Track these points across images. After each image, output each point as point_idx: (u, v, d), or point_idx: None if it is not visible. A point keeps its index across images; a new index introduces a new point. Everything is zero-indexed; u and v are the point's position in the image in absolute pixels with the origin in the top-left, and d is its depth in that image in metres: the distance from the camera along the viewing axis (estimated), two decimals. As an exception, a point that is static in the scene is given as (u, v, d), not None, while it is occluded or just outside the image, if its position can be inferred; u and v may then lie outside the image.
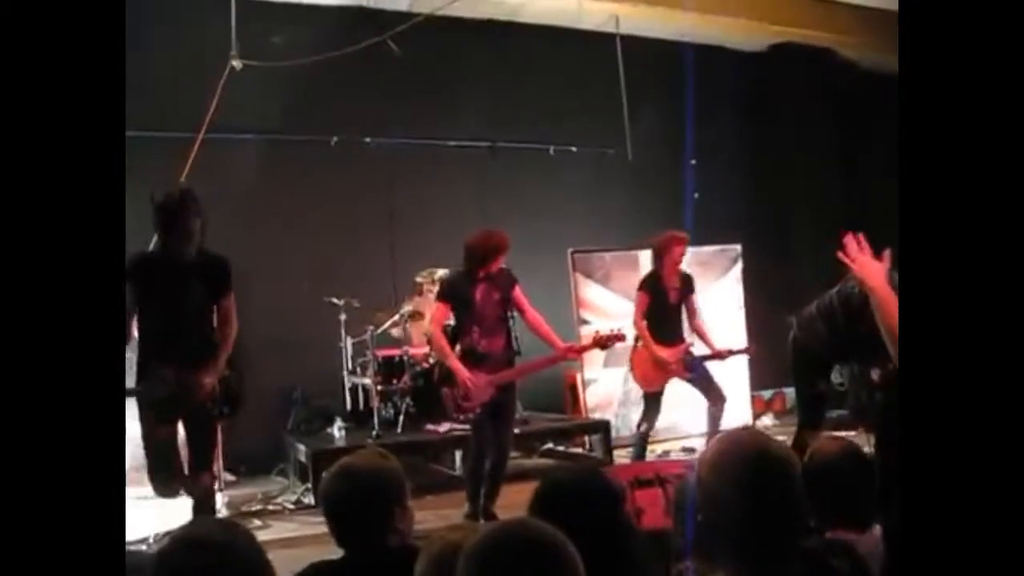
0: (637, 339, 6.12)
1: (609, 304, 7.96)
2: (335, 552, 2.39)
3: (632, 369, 6.24)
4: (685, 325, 6.31)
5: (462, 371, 5.05)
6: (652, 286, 6.12)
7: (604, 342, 5.46)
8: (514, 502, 4.69)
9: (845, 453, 2.49)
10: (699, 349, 6.28)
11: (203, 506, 4.32)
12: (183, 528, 1.75)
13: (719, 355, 6.26)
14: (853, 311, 4.75)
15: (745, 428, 1.82)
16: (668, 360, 6.02)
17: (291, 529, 5.38)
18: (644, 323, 6.06)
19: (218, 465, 6.18)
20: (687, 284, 6.23)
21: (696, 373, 6.16)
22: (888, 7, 8.27)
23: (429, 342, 6.88)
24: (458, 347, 5.21)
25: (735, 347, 6.55)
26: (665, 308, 6.10)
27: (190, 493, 4.31)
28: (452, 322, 5.40)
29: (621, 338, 5.51)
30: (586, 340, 5.94)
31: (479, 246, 5.14)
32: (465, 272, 5.23)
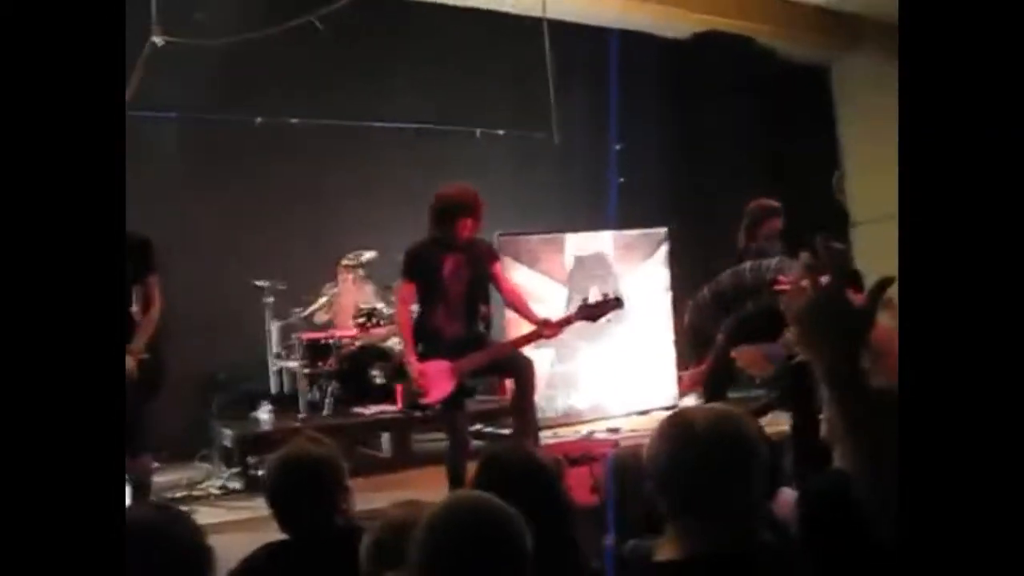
0: None
1: (536, 286, 8.02)
2: (264, 538, 2.42)
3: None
4: None
5: (414, 366, 4.52)
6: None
7: (593, 313, 4.41)
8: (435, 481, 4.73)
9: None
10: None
11: (139, 492, 4.30)
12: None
13: None
14: (745, 293, 4.81)
15: (716, 405, 1.90)
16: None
17: (217, 515, 5.32)
18: None
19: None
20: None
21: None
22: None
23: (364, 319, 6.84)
24: (422, 332, 4.59)
25: None
26: None
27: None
28: (416, 305, 4.79)
29: (616, 305, 4.47)
30: (569, 313, 4.77)
31: (439, 201, 4.48)
32: (431, 240, 4.57)
